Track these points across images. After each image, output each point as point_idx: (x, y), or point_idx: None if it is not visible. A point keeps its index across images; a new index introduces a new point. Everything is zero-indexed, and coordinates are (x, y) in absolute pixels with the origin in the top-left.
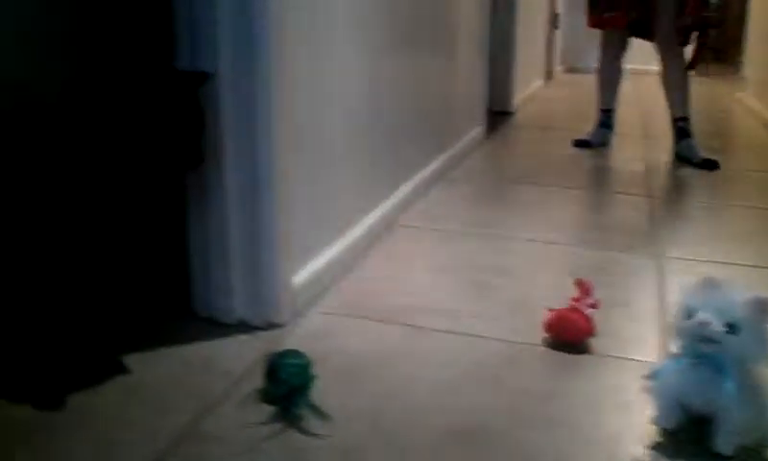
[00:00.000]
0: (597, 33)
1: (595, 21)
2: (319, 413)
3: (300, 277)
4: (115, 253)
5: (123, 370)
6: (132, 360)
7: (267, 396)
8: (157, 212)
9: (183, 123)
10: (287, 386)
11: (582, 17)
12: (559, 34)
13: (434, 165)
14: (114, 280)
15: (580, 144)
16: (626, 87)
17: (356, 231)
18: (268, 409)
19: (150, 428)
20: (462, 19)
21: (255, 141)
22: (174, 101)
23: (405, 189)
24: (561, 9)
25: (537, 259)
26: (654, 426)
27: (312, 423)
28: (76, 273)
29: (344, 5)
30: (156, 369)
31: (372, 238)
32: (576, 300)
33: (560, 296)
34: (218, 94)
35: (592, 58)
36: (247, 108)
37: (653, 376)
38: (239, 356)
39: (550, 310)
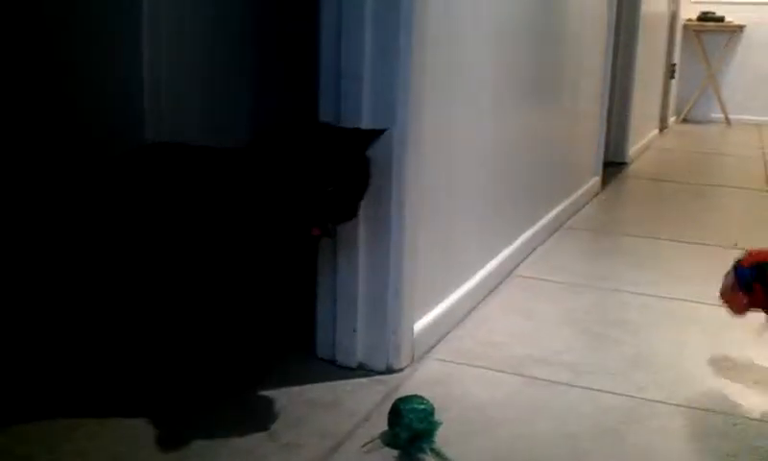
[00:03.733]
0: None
1: None
2: (442, 458)
3: (421, 323)
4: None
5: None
6: (260, 399)
7: (391, 439)
8: (295, 257)
9: (354, 179)
10: (411, 431)
11: (696, 67)
12: (674, 83)
13: (551, 215)
14: (247, 318)
15: None
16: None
17: (475, 280)
18: (392, 452)
19: None
20: (583, 71)
21: (388, 190)
22: (349, 157)
23: (523, 239)
24: (677, 58)
25: (656, 314)
26: None
27: None
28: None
29: (474, 60)
30: (284, 408)
31: (491, 287)
32: None
33: (680, 352)
34: None
35: (706, 108)
36: (380, 157)
37: None
38: (361, 399)
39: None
